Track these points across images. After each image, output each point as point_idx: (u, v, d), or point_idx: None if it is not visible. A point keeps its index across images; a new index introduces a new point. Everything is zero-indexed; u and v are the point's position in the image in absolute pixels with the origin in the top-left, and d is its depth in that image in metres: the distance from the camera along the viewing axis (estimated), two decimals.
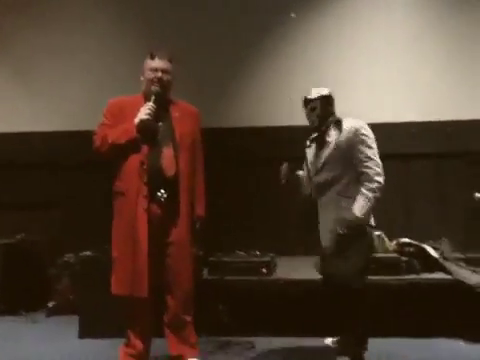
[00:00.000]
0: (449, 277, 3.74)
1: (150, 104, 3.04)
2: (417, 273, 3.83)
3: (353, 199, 2.99)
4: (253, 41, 5.00)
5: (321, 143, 3.15)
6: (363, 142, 3.01)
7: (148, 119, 3.02)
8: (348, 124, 3.08)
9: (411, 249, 3.94)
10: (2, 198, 5.04)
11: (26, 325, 4.26)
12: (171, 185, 3.06)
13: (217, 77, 4.99)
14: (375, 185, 2.98)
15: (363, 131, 3.03)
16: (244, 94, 5.03)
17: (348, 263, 2.96)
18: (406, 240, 4.02)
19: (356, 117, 3.11)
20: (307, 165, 3.25)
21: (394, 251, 3.97)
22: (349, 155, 3.03)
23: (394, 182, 4.77)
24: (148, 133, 3.04)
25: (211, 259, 4.00)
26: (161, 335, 3.15)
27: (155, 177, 3.03)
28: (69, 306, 4.37)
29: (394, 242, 4.03)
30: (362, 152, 3.01)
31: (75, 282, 4.11)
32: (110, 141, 3.04)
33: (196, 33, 4.99)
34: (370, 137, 3.05)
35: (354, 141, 3.02)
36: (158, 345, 3.22)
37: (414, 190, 4.83)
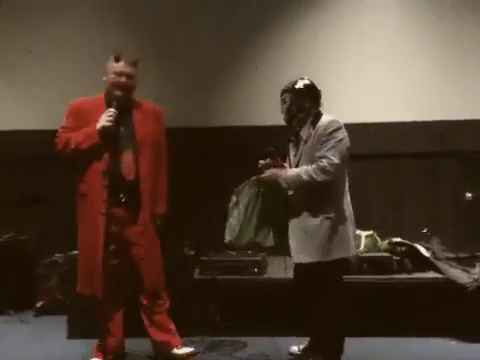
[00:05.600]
0: (441, 276, 3.75)
1: (112, 110, 3.07)
2: (409, 272, 3.84)
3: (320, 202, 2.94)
4: (245, 38, 4.95)
5: (297, 139, 3.06)
6: (329, 141, 2.88)
7: (111, 125, 3.06)
8: (323, 120, 2.95)
9: (403, 248, 3.95)
10: None
11: (14, 325, 4.19)
12: (131, 189, 3.13)
13: (208, 76, 4.95)
14: (321, 166, 2.85)
15: (332, 129, 2.90)
16: (236, 93, 4.99)
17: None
18: (398, 239, 4.02)
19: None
20: (289, 161, 3.15)
21: (386, 250, 3.96)
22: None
23: (385, 181, 4.83)
24: (110, 138, 3.08)
25: (202, 259, 3.97)
26: (143, 335, 3.30)
27: (115, 181, 3.10)
28: (57, 306, 4.32)
29: (386, 241, 4.02)
30: (326, 147, 2.89)
31: (64, 282, 4.06)
32: (73, 146, 3.10)
33: (187, 30, 4.93)
34: (338, 137, 2.89)
35: (323, 138, 2.90)
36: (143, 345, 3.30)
37: (405, 190, 4.83)
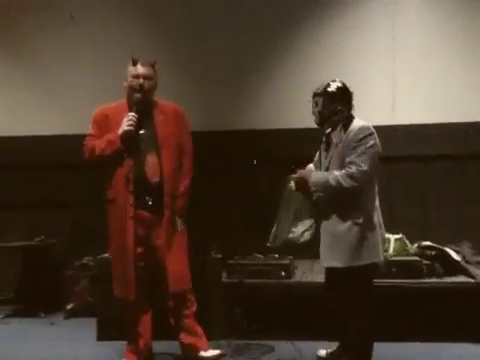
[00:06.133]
0: (472, 280, 3.69)
1: (132, 114, 3.12)
2: (439, 276, 3.78)
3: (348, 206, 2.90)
4: (270, 41, 4.95)
5: (328, 143, 3.04)
6: (359, 147, 2.85)
7: (131, 130, 3.10)
8: (354, 125, 2.92)
9: (433, 252, 3.89)
10: (18, 199, 5.03)
11: (44, 327, 4.27)
12: (157, 191, 3.17)
13: (232, 79, 4.98)
14: (350, 172, 2.82)
15: (363, 135, 2.86)
16: (261, 96, 4.99)
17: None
18: (427, 243, 3.96)
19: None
20: (318, 164, 3.15)
21: (415, 254, 3.91)
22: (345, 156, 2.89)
23: (413, 184, 4.77)
24: (131, 143, 3.13)
25: (229, 262, 3.98)
26: (170, 338, 3.32)
27: (140, 185, 3.14)
28: (87, 308, 4.38)
29: (415, 245, 3.97)
30: (356, 153, 2.85)
31: (94, 284, 4.11)
32: (97, 153, 3.17)
33: (212, 34, 4.97)
34: (368, 144, 2.85)
35: (353, 144, 2.86)
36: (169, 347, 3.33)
37: (433, 192, 4.76)
